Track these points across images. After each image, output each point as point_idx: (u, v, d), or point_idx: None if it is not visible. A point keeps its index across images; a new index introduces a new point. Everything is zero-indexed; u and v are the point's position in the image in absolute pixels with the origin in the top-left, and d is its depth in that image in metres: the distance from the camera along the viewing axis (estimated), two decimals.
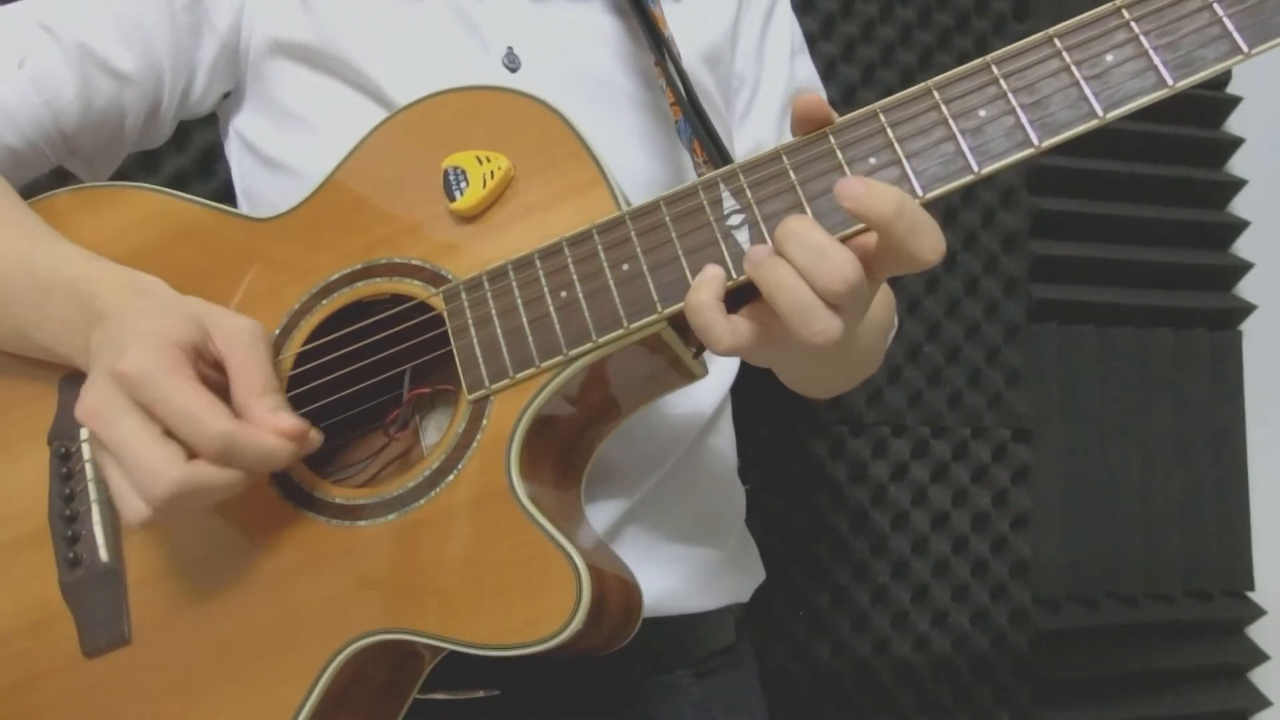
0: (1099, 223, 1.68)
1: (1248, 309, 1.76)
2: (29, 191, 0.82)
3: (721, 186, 0.65)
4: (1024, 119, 0.60)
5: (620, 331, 0.65)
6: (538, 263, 0.68)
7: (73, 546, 0.73)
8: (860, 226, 0.61)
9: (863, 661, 1.50)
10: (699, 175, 0.80)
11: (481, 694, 0.77)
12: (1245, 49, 0.58)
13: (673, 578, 0.85)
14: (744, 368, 0.94)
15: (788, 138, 0.97)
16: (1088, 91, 0.60)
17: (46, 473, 0.75)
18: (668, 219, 0.65)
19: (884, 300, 0.92)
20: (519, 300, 0.68)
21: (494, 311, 0.68)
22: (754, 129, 0.98)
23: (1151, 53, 0.59)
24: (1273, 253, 1.76)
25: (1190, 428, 1.70)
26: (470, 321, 0.69)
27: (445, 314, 0.70)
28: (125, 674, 0.70)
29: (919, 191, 0.61)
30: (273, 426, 0.64)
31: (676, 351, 0.69)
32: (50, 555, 0.73)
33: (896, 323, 0.99)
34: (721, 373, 0.92)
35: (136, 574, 0.72)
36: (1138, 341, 1.69)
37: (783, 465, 1.50)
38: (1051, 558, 1.59)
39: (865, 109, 0.63)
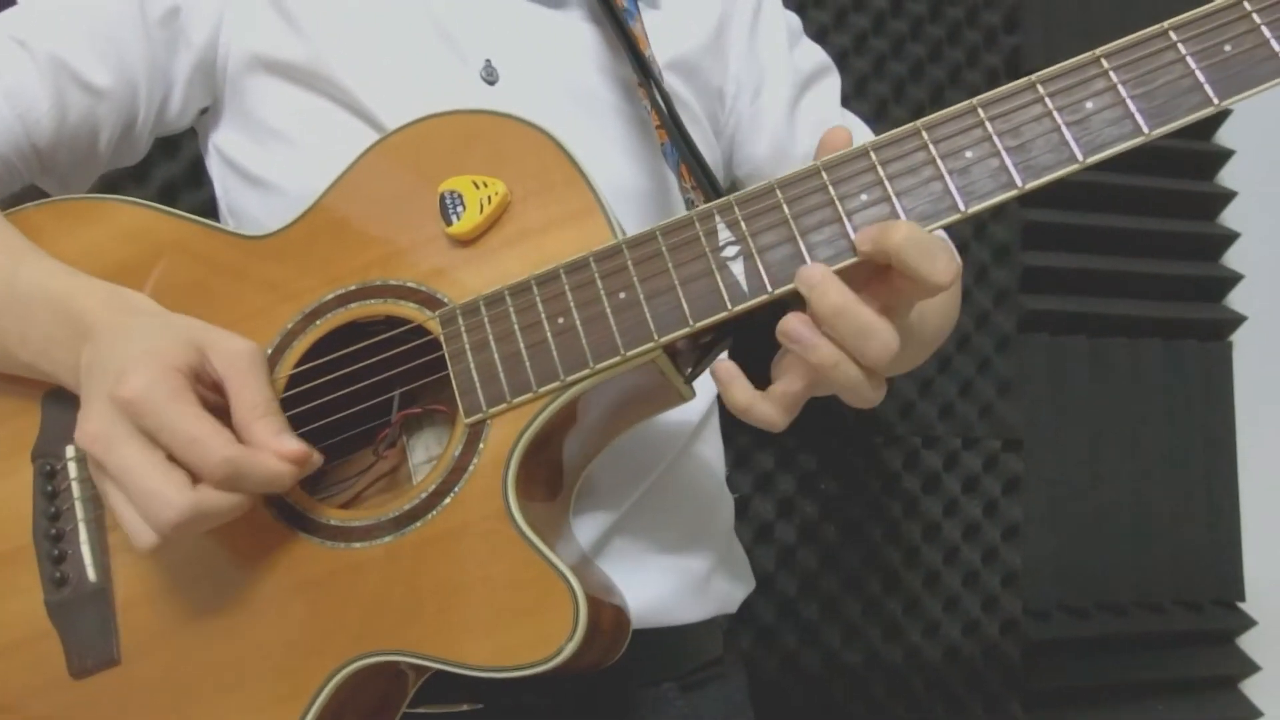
0: (1089, 234, 1.69)
1: (1238, 320, 1.77)
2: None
3: (717, 218, 0.66)
4: (1009, 161, 0.62)
5: (617, 359, 0.66)
6: (535, 289, 0.68)
7: (59, 565, 0.73)
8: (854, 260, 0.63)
9: (854, 672, 1.50)
10: (686, 200, 0.80)
11: (466, 708, 0.77)
12: (1216, 100, 0.61)
13: (660, 589, 0.85)
14: None
15: (799, 135, 1.00)
16: (1069, 136, 0.62)
17: (30, 490, 0.74)
18: (664, 249, 0.66)
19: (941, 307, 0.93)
20: (516, 326, 0.68)
21: (491, 336, 0.69)
22: (770, 128, 0.98)
23: (1129, 101, 0.61)
24: (1263, 264, 1.78)
25: (1181, 438, 1.71)
26: (467, 346, 0.69)
27: (442, 338, 0.70)
28: (114, 695, 0.70)
29: None
30: (276, 450, 0.65)
31: (670, 378, 0.70)
32: (34, 573, 0.73)
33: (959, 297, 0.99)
34: (707, 383, 0.92)
35: (125, 594, 0.72)
36: (1128, 352, 1.70)
37: (773, 475, 1.50)
38: (1042, 568, 1.60)
39: (857, 147, 0.65)
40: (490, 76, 0.85)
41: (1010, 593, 1.58)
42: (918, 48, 1.62)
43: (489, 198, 0.71)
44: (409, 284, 0.72)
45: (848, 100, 1.55)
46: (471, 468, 0.68)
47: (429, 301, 0.71)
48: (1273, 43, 0.60)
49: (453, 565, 0.66)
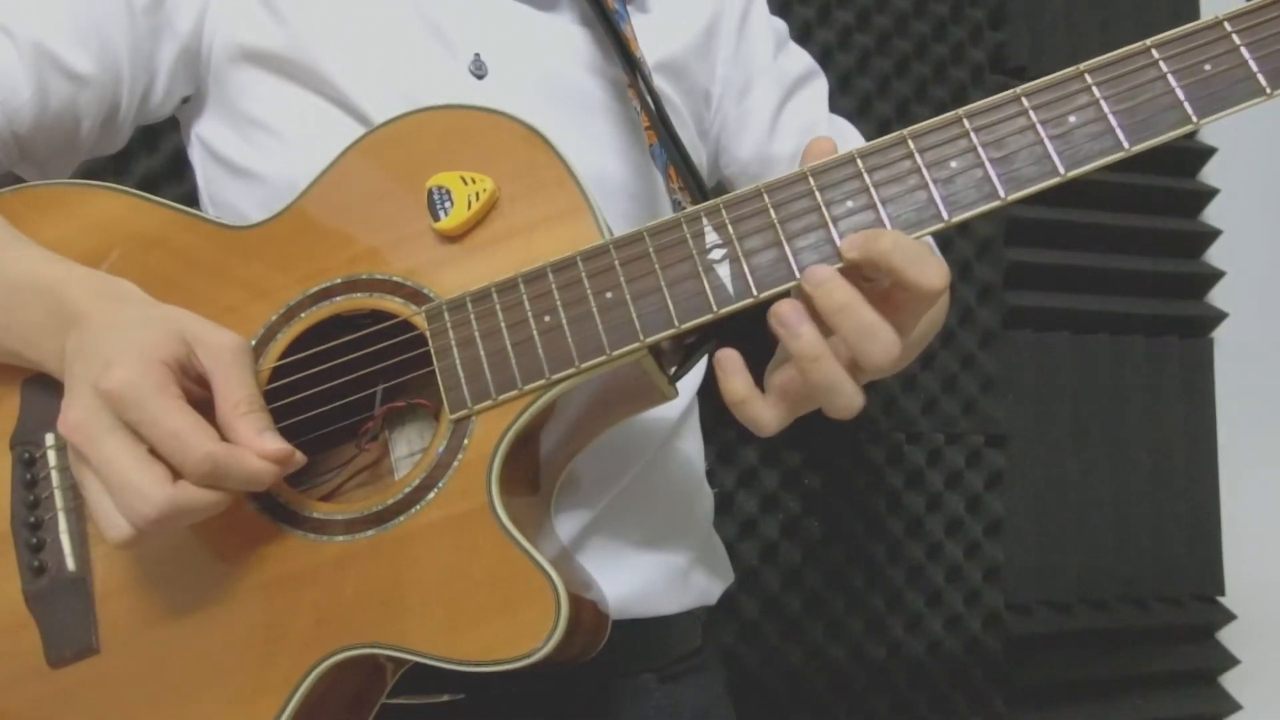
0: (1073, 230, 1.70)
1: (1219, 316, 1.78)
2: None
3: (704, 221, 0.66)
4: (992, 172, 0.63)
5: (603, 358, 0.66)
6: (522, 287, 0.68)
7: (37, 554, 0.72)
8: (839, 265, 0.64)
9: (836, 667, 1.51)
10: (673, 201, 0.80)
11: (446, 698, 0.78)
12: (1195, 119, 0.62)
13: (639, 581, 0.85)
14: (711, 372, 0.94)
15: (783, 138, 1.00)
16: (1051, 150, 0.62)
17: (8, 478, 0.74)
18: (651, 250, 0.67)
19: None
20: (503, 323, 0.68)
21: (477, 333, 0.69)
22: (755, 130, 0.99)
23: (1110, 116, 0.62)
24: (1244, 261, 1.79)
25: (1162, 434, 1.73)
26: (453, 342, 0.69)
27: (428, 333, 0.70)
28: (93, 685, 0.70)
29: None
30: (259, 449, 0.64)
31: (654, 378, 0.70)
32: (12, 562, 0.72)
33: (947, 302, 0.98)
34: (688, 377, 0.92)
35: (105, 584, 0.71)
36: (1111, 348, 1.71)
37: (757, 470, 1.51)
38: (1024, 563, 1.61)
39: (844, 154, 0.65)
40: (479, 71, 0.85)
41: (992, 587, 1.59)
42: (902, 43, 1.62)
43: (477, 194, 0.71)
44: (395, 278, 0.72)
45: (833, 96, 1.56)
46: (455, 463, 0.68)
47: (415, 297, 0.71)
48: (1251, 64, 0.61)
49: (435, 560, 0.66)
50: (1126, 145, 0.62)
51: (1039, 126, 0.63)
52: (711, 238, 0.66)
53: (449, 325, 0.70)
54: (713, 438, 1.15)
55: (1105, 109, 0.62)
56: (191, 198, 0.93)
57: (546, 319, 0.67)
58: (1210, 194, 1.78)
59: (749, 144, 0.99)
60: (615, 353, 0.66)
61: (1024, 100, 0.63)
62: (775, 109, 1.00)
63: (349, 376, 0.72)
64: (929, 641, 1.55)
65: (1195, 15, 1.44)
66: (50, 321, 0.69)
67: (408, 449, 0.76)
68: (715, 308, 0.65)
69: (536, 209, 0.71)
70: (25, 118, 0.80)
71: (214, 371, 0.66)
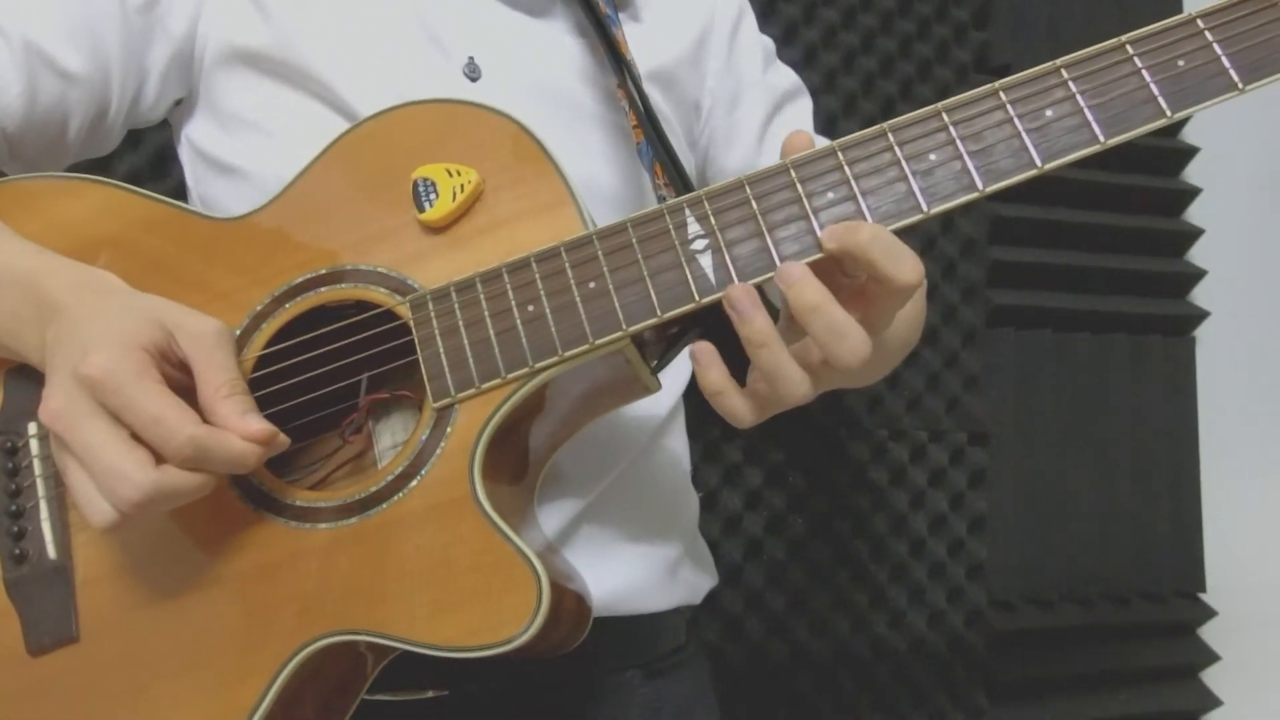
0: (1056, 229, 1.71)
1: (1201, 315, 1.79)
2: None
3: (687, 211, 0.67)
4: (970, 165, 0.64)
5: (585, 347, 0.67)
6: (506, 276, 0.69)
7: (18, 542, 0.72)
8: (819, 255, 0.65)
9: (821, 662, 1.51)
10: (659, 197, 0.81)
11: (431, 694, 0.78)
12: (1169, 113, 0.63)
13: (624, 578, 0.85)
14: None
15: (770, 150, 1.00)
16: (1028, 143, 0.64)
17: None
18: (634, 240, 0.67)
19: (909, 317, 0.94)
20: (486, 313, 0.69)
21: (461, 322, 0.69)
22: (741, 145, 1.00)
23: (1086, 110, 0.64)
24: (1226, 260, 1.80)
25: (1144, 432, 1.73)
26: (437, 331, 0.70)
27: (412, 323, 0.70)
28: (73, 673, 0.70)
29: None
30: (242, 431, 0.64)
31: (636, 368, 0.71)
32: None
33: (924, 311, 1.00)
34: (675, 377, 0.93)
35: (86, 573, 0.71)
36: (1093, 347, 1.72)
37: (741, 468, 1.51)
38: (1008, 560, 1.62)
39: (824, 146, 0.66)
40: (473, 73, 0.86)
41: (976, 584, 1.60)
42: (887, 42, 1.63)
43: (462, 186, 0.71)
44: (380, 269, 0.73)
45: (818, 94, 1.57)
46: (439, 451, 0.68)
47: (399, 287, 0.72)
48: (1223, 59, 0.63)
49: (417, 547, 0.66)
50: (1102, 138, 0.63)
51: (1016, 120, 0.64)
52: (694, 228, 0.67)
53: (433, 315, 0.70)
54: (697, 436, 1.16)
55: (1081, 103, 0.64)
56: (174, 194, 0.93)
57: (530, 308, 0.68)
58: (1193, 194, 1.79)
59: (737, 155, 0.99)
60: (598, 341, 0.67)
61: (1001, 94, 0.65)
62: (764, 121, 1.00)
63: (333, 365, 0.73)
64: (912, 638, 1.56)
65: None
66: (30, 313, 0.69)
67: (391, 441, 0.77)
68: (697, 297, 0.66)
69: (521, 201, 0.71)
70: (14, 114, 0.80)
71: (195, 356, 0.66)
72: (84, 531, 0.72)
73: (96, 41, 0.82)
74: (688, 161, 0.97)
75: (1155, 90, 0.63)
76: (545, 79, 0.88)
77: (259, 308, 0.74)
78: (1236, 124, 1.80)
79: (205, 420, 0.64)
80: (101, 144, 0.88)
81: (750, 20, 1.04)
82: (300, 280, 0.74)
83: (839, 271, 0.66)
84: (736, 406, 0.67)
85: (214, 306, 0.73)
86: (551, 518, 0.81)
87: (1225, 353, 1.79)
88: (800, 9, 1.58)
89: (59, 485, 0.72)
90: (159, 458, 0.62)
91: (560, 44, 0.90)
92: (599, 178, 0.88)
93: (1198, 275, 1.79)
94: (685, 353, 0.71)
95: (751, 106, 1.00)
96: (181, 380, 0.66)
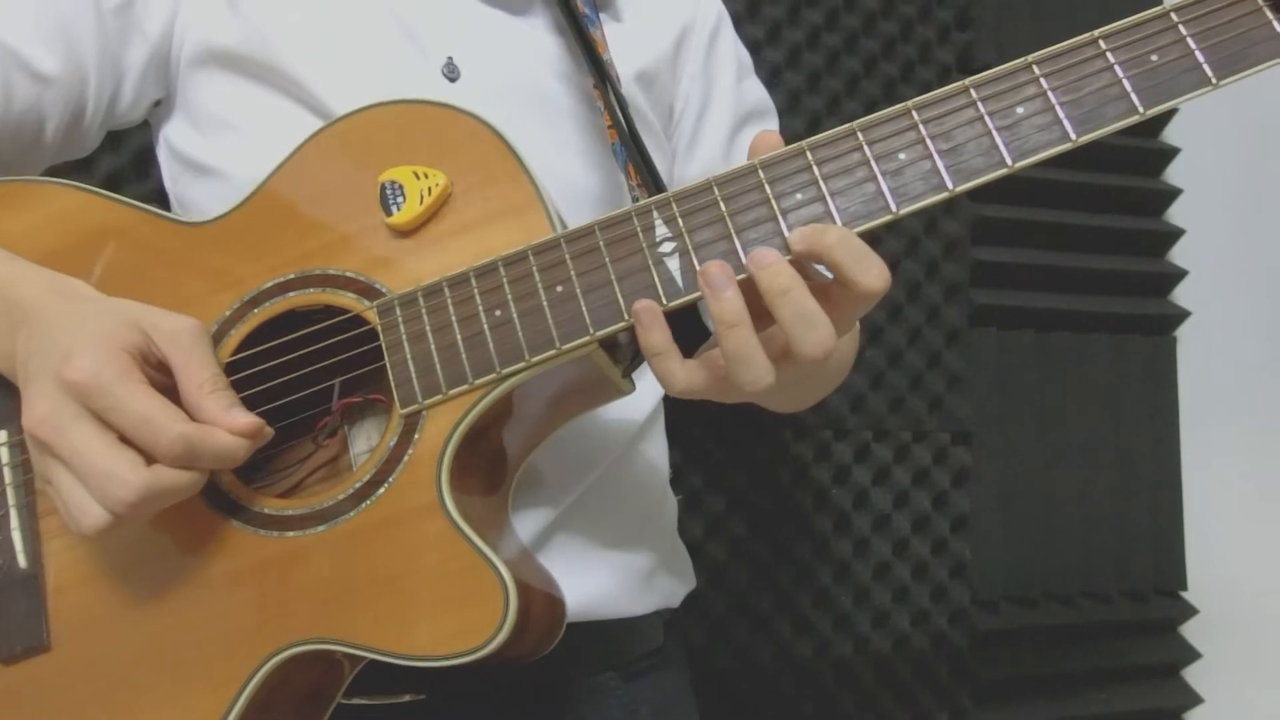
0: (1038, 230, 1.71)
1: (1182, 315, 1.80)
2: None
3: (655, 214, 0.66)
4: (940, 164, 0.63)
5: (553, 352, 0.66)
6: (473, 281, 0.68)
7: None
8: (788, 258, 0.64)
9: (804, 663, 1.51)
10: (633, 198, 0.81)
11: (408, 698, 0.78)
12: (1141, 109, 0.62)
13: (601, 583, 0.85)
14: None
15: (736, 163, 0.99)
16: (999, 141, 0.63)
17: None
18: (602, 243, 0.67)
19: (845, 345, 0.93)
20: (454, 317, 0.68)
21: (428, 328, 0.69)
22: (705, 152, 0.99)
23: (1058, 108, 0.63)
24: (1207, 260, 1.81)
25: (1126, 431, 1.74)
26: (404, 337, 0.69)
27: (379, 328, 0.70)
28: (44, 681, 0.70)
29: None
30: (228, 425, 0.65)
31: (607, 371, 0.70)
32: None
33: (858, 344, 0.99)
34: (653, 382, 0.93)
35: (56, 580, 0.71)
36: (1075, 346, 1.72)
37: (724, 467, 1.51)
38: (990, 559, 1.62)
39: (793, 146, 0.65)
40: (452, 74, 0.85)
41: (959, 583, 1.60)
42: (870, 44, 1.63)
43: (429, 189, 0.71)
44: (348, 273, 0.72)
45: (801, 95, 1.57)
46: (406, 458, 0.68)
47: (367, 291, 0.71)
48: (1197, 54, 0.62)
49: (385, 555, 0.66)
50: (1074, 136, 0.62)
51: (987, 118, 0.63)
52: (662, 230, 0.66)
53: (400, 320, 0.70)
54: (680, 437, 1.15)
55: (1053, 100, 0.63)
56: (155, 195, 0.93)
57: (497, 313, 0.67)
58: (1174, 194, 1.80)
59: (697, 165, 0.98)
60: (565, 346, 0.66)
61: (972, 92, 0.64)
62: (729, 134, 1.00)
63: (303, 371, 0.72)
64: (896, 637, 1.56)
65: None
66: (1, 320, 0.69)
67: (367, 444, 0.76)
68: (665, 301, 0.65)
69: (489, 203, 0.71)
70: None
71: (174, 355, 0.66)
72: (54, 539, 0.72)
73: (71, 43, 0.82)
74: (666, 162, 0.97)
75: (1128, 86, 0.62)
76: (524, 77, 0.88)
77: (228, 313, 0.73)
78: (1217, 125, 1.81)
79: (191, 417, 0.64)
80: (79, 145, 0.88)
81: (729, 30, 1.04)
82: (269, 285, 0.73)
83: (803, 274, 0.65)
84: (674, 370, 0.65)
85: (184, 311, 0.73)
86: (527, 523, 0.81)
87: (1206, 352, 1.80)
88: (784, 10, 1.58)
89: (29, 493, 0.72)
90: (148, 458, 0.62)
91: (539, 42, 0.90)
92: (576, 176, 0.88)
93: (1179, 275, 1.80)
94: None
95: (718, 118, 0.99)
96: (161, 381, 0.66)
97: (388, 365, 0.70)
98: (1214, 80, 0.62)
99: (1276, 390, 1.80)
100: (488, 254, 0.69)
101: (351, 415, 0.77)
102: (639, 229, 0.66)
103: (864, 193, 0.64)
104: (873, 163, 0.64)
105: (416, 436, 0.68)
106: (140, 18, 0.84)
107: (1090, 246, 1.75)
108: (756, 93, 1.05)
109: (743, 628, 1.49)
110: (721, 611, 1.48)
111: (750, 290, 0.63)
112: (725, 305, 0.62)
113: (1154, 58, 0.62)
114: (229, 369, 0.72)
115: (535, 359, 0.67)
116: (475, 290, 0.68)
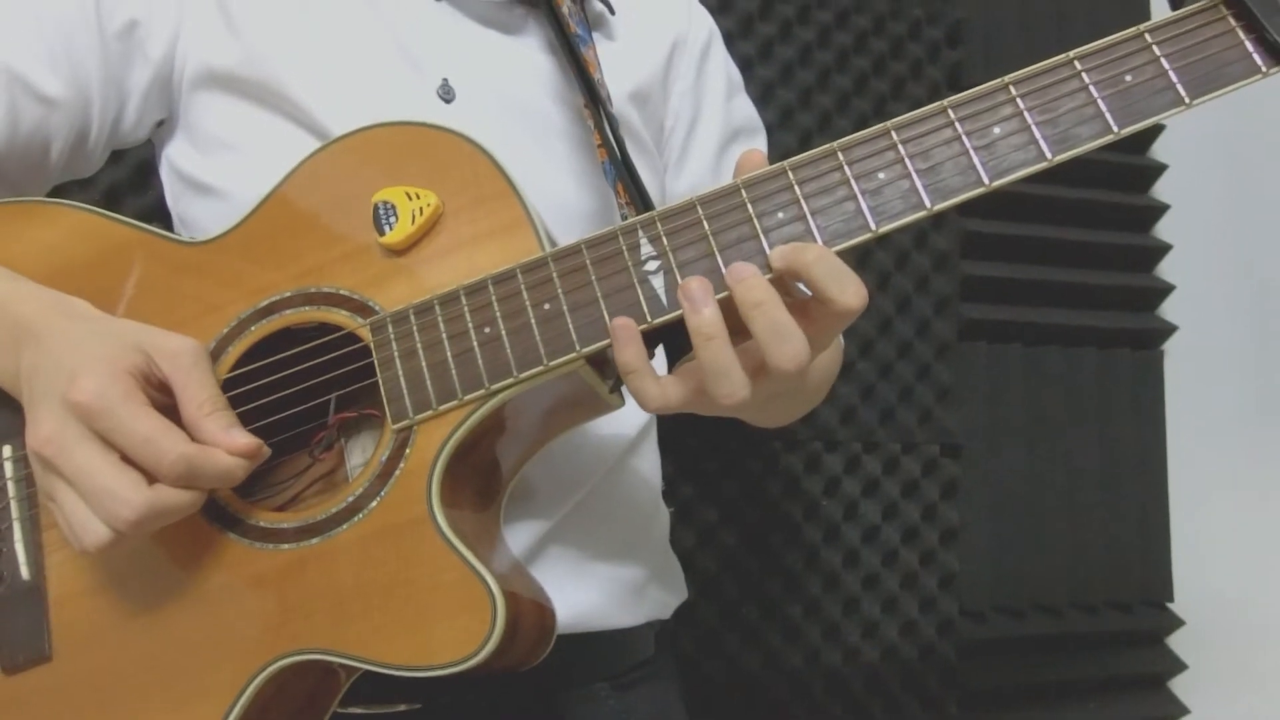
0: (1027, 245, 1.73)
1: (1169, 330, 1.81)
2: None
3: (640, 233, 0.68)
4: (919, 183, 0.64)
5: (540, 368, 0.68)
6: (463, 299, 0.70)
7: None
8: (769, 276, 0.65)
9: (794, 673, 1.52)
10: (621, 214, 0.82)
11: (404, 708, 0.79)
12: (1115, 129, 0.63)
13: (593, 596, 0.86)
14: None
15: (724, 179, 1.01)
16: (976, 161, 0.64)
17: None
18: (588, 262, 0.68)
19: (827, 360, 0.94)
20: (444, 334, 0.70)
21: (419, 345, 0.70)
22: (693, 168, 1.00)
23: (1034, 128, 0.64)
24: (1193, 275, 1.82)
25: (1113, 444, 1.75)
26: (396, 354, 0.71)
27: (372, 346, 0.72)
28: (45, 691, 0.71)
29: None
30: (228, 445, 0.66)
31: (594, 387, 0.72)
32: None
33: (841, 361, 1.00)
34: None
35: (58, 592, 0.73)
36: (1063, 360, 1.74)
37: (716, 479, 1.52)
38: (979, 570, 1.64)
39: (775, 166, 0.66)
40: (447, 95, 0.87)
41: (947, 594, 1.61)
42: (862, 61, 1.65)
43: (421, 209, 0.73)
44: (342, 291, 0.74)
45: (793, 112, 1.59)
46: (398, 473, 0.69)
47: (361, 309, 0.73)
48: (1171, 74, 0.63)
49: (377, 568, 0.68)
50: (1049, 156, 0.63)
51: (964, 138, 0.64)
52: (646, 249, 0.67)
53: (392, 337, 0.71)
54: (673, 449, 1.16)
55: (1029, 120, 0.64)
56: (156, 209, 0.94)
57: (487, 330, 0.69)
58: (1161, 210, 1.81)
59: (685, 182, 1.00)
60: (552, 363, 0.68)
61: (950, 112, 0.65)
62: (717, 151, 1.01)
63: (299, 387, 0.74)
64: (885, 648, 1.57)
65: None
66: (5, 339, 0.70)
67: (363, 458, 0.78)
68: (649, 318, 0.66)
69: (479, 223, 0.72)
70: None
71: (174, 376, 0.68)
72: (56, 552, 0.73)
73: (76, 67, 0.83)
74: (657, 180, 0.98)
75: (1103, 106, 0.63)
76: (517, 96, 0.89)
77: (225, 330, 0.75)
78: (1204, 141, 1.82)
79: (191, 437, 0.66)
80: (85, 165, 0.89)
81: (720, 47, 1.05)
82: (265, 303, 0.75)
83: (784, 291, 0.66)
84: (649, 388, 0.67)
85: (181, 330, 0.74)
86: (519, 536, 0.82)
87: (1193, 366, 1.81)
88: (776, 27, 1.60)
89: (33, 506, 0.74)
90: (150, 477, 0.64)
91: (532, 61, 0.91)
92: (568, 194, 0.89)
93: (1166, 290, 1.81)
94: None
95: (707, 135, 1.01)
96: (162, 401, 0.67)
97: (380, 382, 0.71)
98: (1187, 100, 0.63)
99: (1263, 404, 1.81)
100: (478, 272, 0.70)
101: (349, 429, 0.79)
102: (624, 248, 0.68)
103: (844, 211, 0.65)
104: (853, 182, 0.65)
105: (408, 451, 0.70)
106: (143, 41, 0.86)
107: (1078, 261, 1.76)
108: (745, 110, 1.06)
109: (732, 638, 1.50)
110: (713, 622, 1.49)
111: (730, 307, 0.64)
112: (703, 319, 0.63)
113: (1128, 78, 0.63)
114: (226, 384, 0.74)
115: (523, 375, 0.68)
116: (465, 308, 0.70)
